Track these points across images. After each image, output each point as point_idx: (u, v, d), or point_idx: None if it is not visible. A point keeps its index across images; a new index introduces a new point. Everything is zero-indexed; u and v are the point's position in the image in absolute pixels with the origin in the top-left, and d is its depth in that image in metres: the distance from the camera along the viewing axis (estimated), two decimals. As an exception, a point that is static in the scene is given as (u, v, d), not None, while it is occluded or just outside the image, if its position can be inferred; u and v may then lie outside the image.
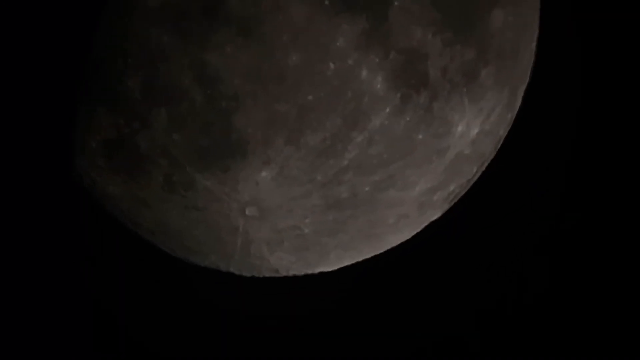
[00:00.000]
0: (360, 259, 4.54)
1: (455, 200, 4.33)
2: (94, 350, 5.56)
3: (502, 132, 4.11)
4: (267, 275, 4.37)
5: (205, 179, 3.57)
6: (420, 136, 3.60)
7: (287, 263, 4.21)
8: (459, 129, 3.70)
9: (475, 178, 4.26)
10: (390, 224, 4.09)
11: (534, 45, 4.02)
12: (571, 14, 5.00)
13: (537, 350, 5.95)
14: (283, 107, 3.32)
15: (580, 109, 5.45)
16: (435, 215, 4.36)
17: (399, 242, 4.51)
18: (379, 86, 3.36)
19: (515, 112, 4.12)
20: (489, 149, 4.11)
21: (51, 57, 3.45)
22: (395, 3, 3.25)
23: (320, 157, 3.51)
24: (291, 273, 4.38)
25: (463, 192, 4.31)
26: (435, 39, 3.35)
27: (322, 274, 4.52)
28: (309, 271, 4.44)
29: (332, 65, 3.26)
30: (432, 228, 4.46)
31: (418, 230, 4.45)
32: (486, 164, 4.24)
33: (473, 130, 3.78)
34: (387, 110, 3.43)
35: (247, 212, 3.75)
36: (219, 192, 3.63)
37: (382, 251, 4.53)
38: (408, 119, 3.49)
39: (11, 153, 3.93)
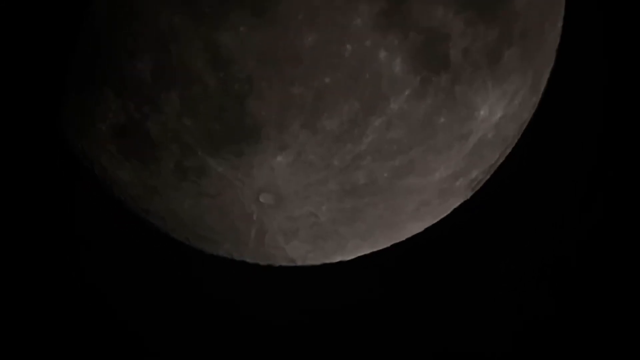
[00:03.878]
0: (379, 248, 4.48)
1: (478, 186, 4.28)
2: (104, 341, 5.57)
3: (527, 116, 4.05)
4: (283, 264, 4.32)
5: (218, 164, 3.52)
6: (441, 120, 3.53)
7: (304, 252, 4.17)
8: (482, 112, 3.64)
9: (499, 164, 4.18)
10: (410, 212, 4.03)
11: (560, 25, 3.92)
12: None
13: (566, 345, 5.89)
14: (298, 90, 3.26)
15: (608, 93, 5.37)
16: (458, 202, 4.31)
17: (419, 230, 4.44)
18: (398, 68, 3.28)
19: (540, 95, 4.04)
20: (513, 134, 4.04)
21: (48, 36, 3.39)
22: (415, -19, 3.16)
23: (337, 142, 3.46)
24: (308, 263, 4.33)
25: (486, 178, 4.25)
26: (456, 18, 3.28)
27: (339, 263, 4.45)
28: (326, 261, 4.39)
29: (349, 47, 3.20)
30: (454, 216, 4.38)
31: (439, 218, 4.39)
32: (510, 149, 4.16)
33: (496, 114, 3.71)
34: (407, 93, 3.36)
35: (261, 199, 3.70)
36: (232, 178, 3.58)
37: (401, 240, 4.45)
38: (428, 102, 3.42)
39: (15, 139, 3.90)
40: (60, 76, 3.48)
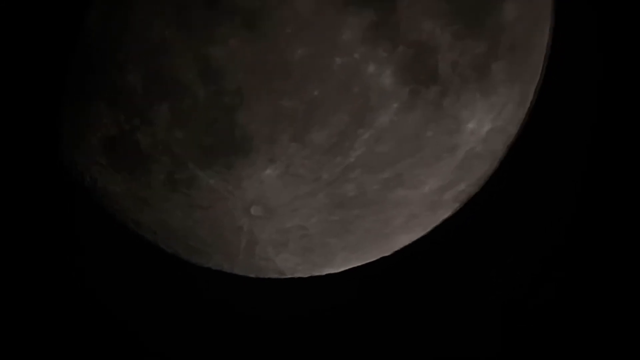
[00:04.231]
0: (368, 260, 4.46)
1: (466, 199, 4.23)
2: (95, 352, 5.53)
3: (514, 129, 4.04)
4: (272, 276, 4.31)
5: (208, 176, 3.53)
6: (429, 133, 3.54)
7: (293, 264, 4.16)
8: (470, 125, 3.65)
9: (487, 176, 4.16)
10: (399, 224, 4.03)
11: (547, 39, 3.94)
12: (586, 7, 4.92)
13: (555, 351, 5.88)
14: (288, 102, 3.28)
15: (596, 106, 5.38)
16: (446, 215, 4.28)
17: (408, 242, 4.41)
18: (387, 81, 3.30)
19: (527, 108, 4.04)
20: (501, 147, 4.04)
21: (41, 49, 3.40)
22: (404, -5, 3.18)
23: (326, 155, 3.47)
24: (297, 275, 4.32)
25: (474, 191, 4.22)
26: (445, 32, 3.30)
27: (328, 275, 4.45)
28: (316, 273, 4.37)
29: (338, 60, 3.22)
30: (442, 228, 4.37)
31: (428, 230, 4.36)
32: (497, 162, 4.15)
33: (484, 127, 3.72)
34: (396, 106, 3.37)
35: (252, 212, 3.70)
36: (223, 190, 3.58)
37: (390, 253, 4.44)
38: (417, 115, 3.44)
39: (6, 151, 3.90)
40: (53, 89, 3.49)
